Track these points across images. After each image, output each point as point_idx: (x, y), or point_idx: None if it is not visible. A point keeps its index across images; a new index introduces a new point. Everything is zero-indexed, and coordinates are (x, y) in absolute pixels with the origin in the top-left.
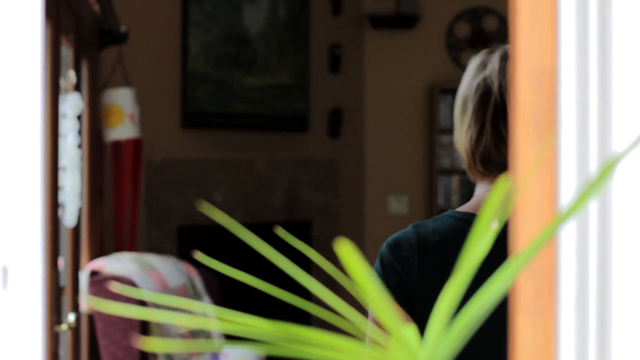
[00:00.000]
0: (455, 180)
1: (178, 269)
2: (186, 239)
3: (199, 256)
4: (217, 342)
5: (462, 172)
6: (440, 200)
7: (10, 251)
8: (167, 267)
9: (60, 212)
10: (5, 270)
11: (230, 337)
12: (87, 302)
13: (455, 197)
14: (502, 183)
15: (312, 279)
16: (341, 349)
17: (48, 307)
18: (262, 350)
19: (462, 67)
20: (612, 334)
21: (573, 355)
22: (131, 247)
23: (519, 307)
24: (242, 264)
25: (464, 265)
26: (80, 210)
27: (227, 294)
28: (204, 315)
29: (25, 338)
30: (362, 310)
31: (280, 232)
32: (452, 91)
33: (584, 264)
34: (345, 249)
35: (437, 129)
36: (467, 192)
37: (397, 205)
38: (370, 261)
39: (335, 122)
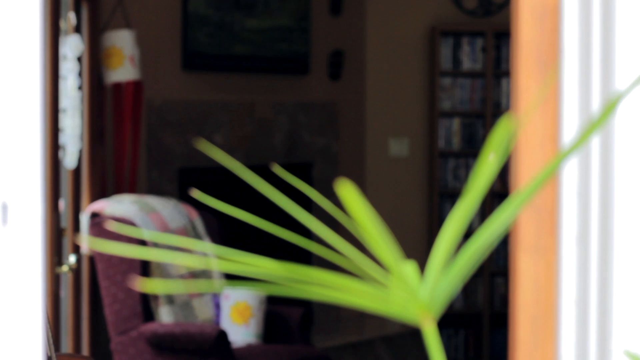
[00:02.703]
0: (456, 122)
1: (179, 211)
2: (187, 181)
3: (197, 194)
4: (217, 282)
5: (463, 115)
6: (441, 143)
7: (10, 188)
8: (168, 208)
9: (60, 154)
10: (5, 207)
11: (230, 278)
12: (88, 243)
13: (455, 140)
14: (504, 120)
15: (312, 218)
16: (343, 287)
17: (49, 248)
18: (265, 290)
19: (464, 10)
20: (613, 271)
21: (574, 293)
22: (132, 189)
23: (520, 245)
24: (243, 207)
25: (464, 199)
26: (80, 152)
27: (227, 237)
28: (205, 255)
29: (25, 275)
30: (363, 248)
31: (279, 170)
32: (454, 33)
33: (586, 202)
34: (346, 189)
35: (438, 72)
36: (468, 135)
37: (398, 147)
38: (371, 203)
39: (336, 65)
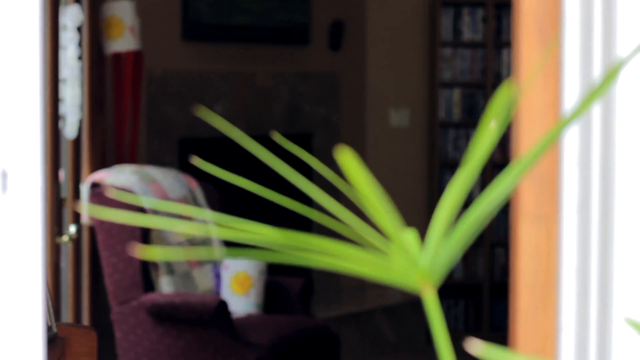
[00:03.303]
0: (456, 93)
1: (179, 181)
2: (187, 151)
3: (197, 161)
4: (217, 250)
5: (463, 85)
6: (442, 113)
7: (9, 156)
8: (168, 179)
9: (60, 124)
10: (4, 175)
11: (230, 246)
12: (88, 211)
13: (456, 110)
14: (505, 88)
15: (313, 186)
16: (344, 255)
17: (49, 218)
18: (265, 258)
19: None
20: (614, 240)
21: (575, 262)
22: (132, 159)
23: (521, 213)
24: (243, 177)
25: (465, 167)
26: (80, 122)
27: (227, 207)
28: (205, 222)
29: (25, 243)
30: (363, 217)
31: (280, 138)
32: (454, 4)
33: (587, 170)
34: (346, 156)
35: (438, 42)
36: (469, 105)
37: (399, 118)
38: (371, 173)
39: (337, 35)
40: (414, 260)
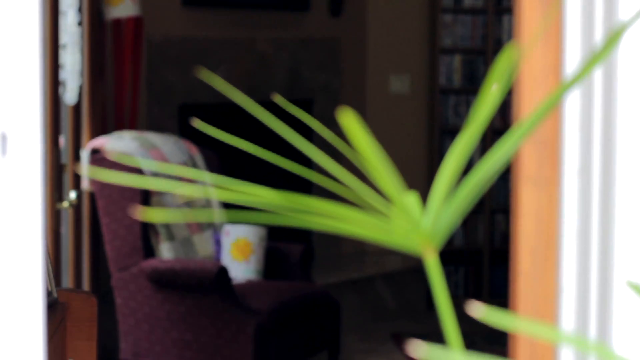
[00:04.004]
0: (457, 59)
1: (179, 147)
2: (187, 117)
3: (197, 123)
4: (217, 212)
5: (464, 51)
6: (442, 80)
7: (9, 119)
8: (168, 145)
9: (60, 90)
10: (4, 138)
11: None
12: (88, 173)
13: (456, 77)
14: (507, 51)
15: (314, 148)
16: (345, 217)
17: (49, 183)
18: (266, 221)
19: None
20: (615, 203)
21: (576, 225)
22: (132, 125)
23: (522, 177)
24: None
25: (467, 129)
26: (80, 88)
27: (227, 173)
28: (205, 184)
29: (24, 206)
30: (364, 180)
31: (281, 100)
32: None
33: (588, 134)
34: (348, 118)
35: (439, 8)
36: (469, 72)
37: (399, 84)
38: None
39: (337, 1)
40: (415, 222)
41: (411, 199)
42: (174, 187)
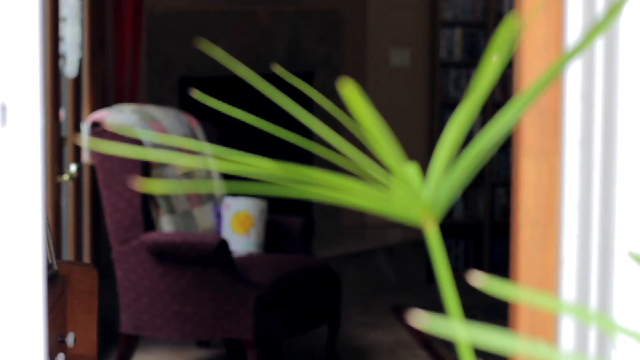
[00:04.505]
0: (457, 32)
1: (179, 120)
2: (187, 90)
3: (197, 94)
4: (216, 183)
5: (464, 25)
6: (443, 53)
7: (9, 89)
8: (169, 118)
9: (60, 63)
10: (4, 108)
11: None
12: (89, 144)
13: (457, 50)
14: (508, 21)
15: (314, 119)
16: (345, 188)
17: (49, 156)
18: (265, 191)
19: None
20: (616, 174)
21: (577, 196)
22: (132, 98)
23: (524, 147)
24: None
25: (468, 100)
26: (81, 61)
27: (227, 146)
28: (205, 156)
29: (24, 177)
30: (365, 151)
31: (281, 71)
32: None
33: (589, 104)
34: (348, 88)
35: None
36: (470, 45)
37: (399, 57)
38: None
39: None
40: (415, 193)
41: (411, 170)
42: (173, 158)
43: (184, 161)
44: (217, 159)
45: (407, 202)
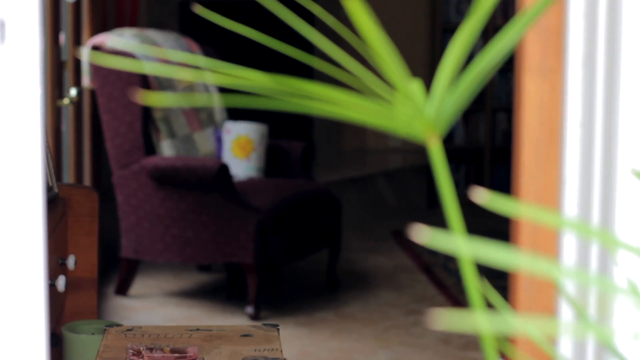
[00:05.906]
0: None
1: (180, 44)
2: (188, 15)
3: (198, 9)
4: (214, 96)
5: None
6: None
7: (7, 5)
8: (169, 42)
9: None
10: (2, 24)
11: (231, 115)
12: (89, 60)
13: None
14: None
15: (316, 32)
16: (345, 103)
17: (49, 80)
18: (265, 105)
19: None
20: (619, 94)
21: (579, 115)
22: (133, 22)
23: (526, 66)
24: (243, 40)
25: (471, 16)
26: None
27: None
28: (206, 91)
29: (23, 96)
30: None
31: None
32: None
33: (593, 23)
34: (354, 3)
35: None
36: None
37: None
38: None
39: None
40: (419, 109)
41: (415, 86)
42: (173, 72)
43: (183, 74)
44: (214, 72)
45: (410, 117)
